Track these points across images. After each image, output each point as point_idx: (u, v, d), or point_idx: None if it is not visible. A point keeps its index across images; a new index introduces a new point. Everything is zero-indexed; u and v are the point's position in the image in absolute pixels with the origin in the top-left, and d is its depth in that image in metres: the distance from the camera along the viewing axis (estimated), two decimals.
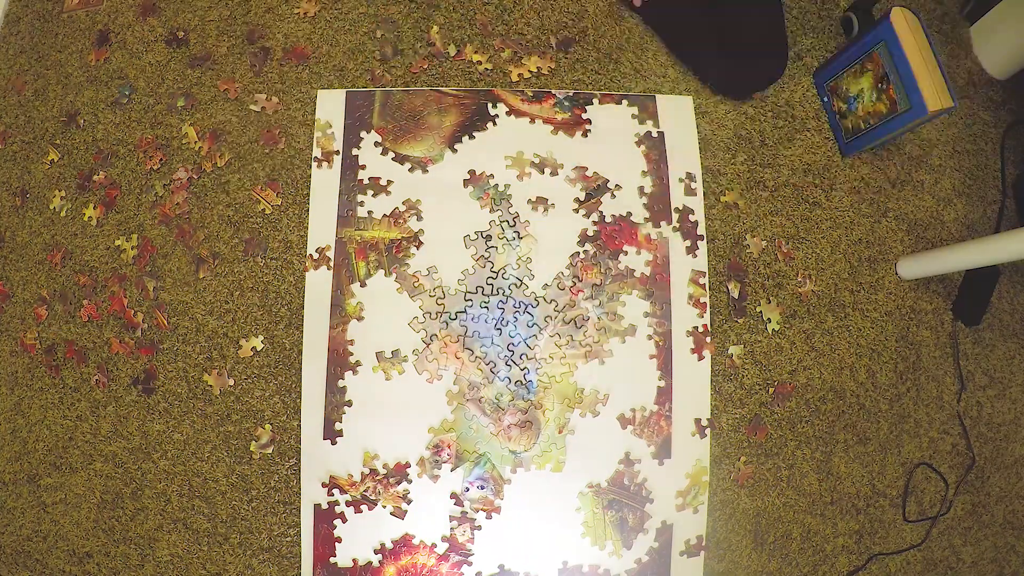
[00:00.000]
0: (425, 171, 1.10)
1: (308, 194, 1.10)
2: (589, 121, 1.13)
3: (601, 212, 1.10)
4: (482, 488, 1.02)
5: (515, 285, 1.07)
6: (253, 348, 1.07)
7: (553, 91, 1.13)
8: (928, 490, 1.12)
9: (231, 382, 1.06)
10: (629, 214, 1.10)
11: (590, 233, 1.09)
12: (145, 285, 1.10)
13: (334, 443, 1.02)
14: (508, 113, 1.12)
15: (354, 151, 1.11)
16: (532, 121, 1.12)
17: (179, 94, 1.16)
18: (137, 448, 1.06)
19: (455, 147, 1.11)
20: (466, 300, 1.06)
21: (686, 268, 1.10)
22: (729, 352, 1.09)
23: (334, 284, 1.06)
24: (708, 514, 1.04)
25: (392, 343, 1.04)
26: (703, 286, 1.09)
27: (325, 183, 1.10)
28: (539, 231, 1.09)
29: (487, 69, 1.16)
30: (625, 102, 1.14)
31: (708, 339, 1.08)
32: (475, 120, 1.13)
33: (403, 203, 1.09)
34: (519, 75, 1.15)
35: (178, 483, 1.05)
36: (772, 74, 1.15)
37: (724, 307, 1.10)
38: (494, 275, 1.07)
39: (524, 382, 1.05)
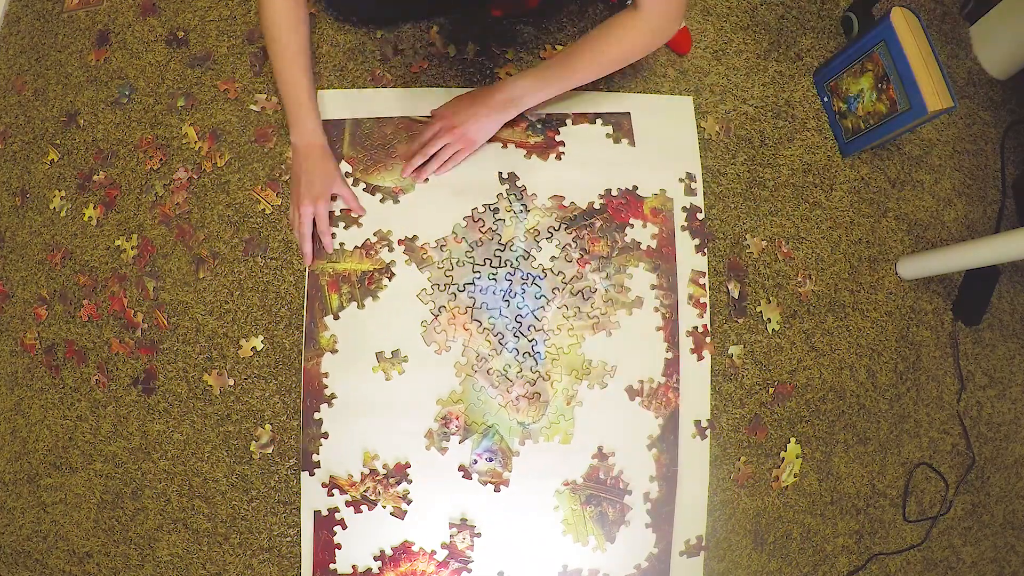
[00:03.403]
0: (396, 201, 1.09)
1: None
2: (563, 143, 1.12)
3: (607, 188, 1.11)
4: (490, 460, 1.02)
5: (523, 257, 1.07)
6: (253, 348, 1.07)
7: (525, 114, 1.10)
8: (928, 490, 1.12)
9: (231, 382, 1.06)
10: (635, 187, 1.11)
11: (596, 206, 1.10)
12: (145, 285, 1.10)
13: (312, 474, 1.01)
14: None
15: None
16: (504, 146, 1.10)
17: (179, 94, 1.17)
18: (137, 448, 1.06)
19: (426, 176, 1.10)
20: (474, 272, 1.07)
21: (691, 246, 1.10)
22: (729, 352, 1.09)
23: (307, 317, 1.05)
24: (708, 514, 1.04)
25: (392, 343, 1.04)
26: (703, 286, 1.09)
27: None
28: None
29: (486, 67, 1.16)
30: (599, 121, 1.13)
31: (708, 339, 1.08)
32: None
33: (374, 234, 1.07)
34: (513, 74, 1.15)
35: (178, 483, 1.05)
36: None
37: (724, 307, 1.10)
38: (502, 247, 1.08)
39: (532, 353, 1.05)
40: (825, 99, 1.19)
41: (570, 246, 1.08)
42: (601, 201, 1.10)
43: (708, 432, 1.06)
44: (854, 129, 1.15)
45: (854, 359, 1.12)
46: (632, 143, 1.13)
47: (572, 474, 1.03)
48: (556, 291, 1.07)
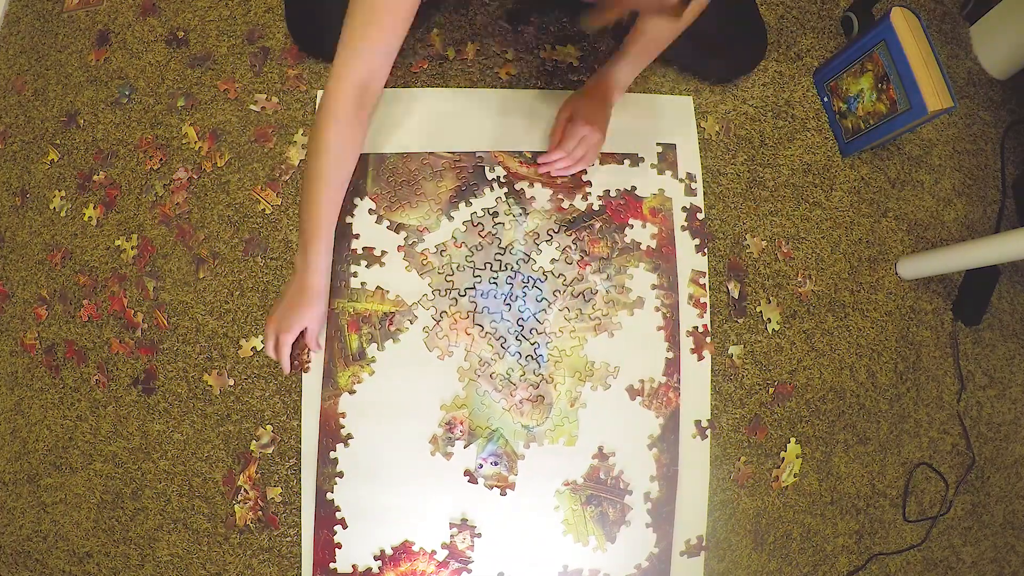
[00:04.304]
0: (421, 240, 1.08)
1: None
2: (589, 183, 1.11)
3: (606, 189, 1.11)
4: (496, 464, 1.02)
5: (523, 260, 1.07)
6: (253, 348, 1.07)
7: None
8: (928, 490, 1.12)
9: (231, 382, 1.06)
10: (634, 188, 1.11)
11: (595, 207, 1.10)
12: (145, 285, 1.10)
13: (322, 515, 1.00)
14: (506, 177, 1.10)
15: (347, 219, 1.08)
16: (531, 184, 1.10)
17: (179, 94, 1.17)
18: (137, 448, 1.06)
19: (451, 214, 1.09)
20: (475, 276, 1.07)
21: (691, 246, 1.10)
22: (729, 352, 1.09)
23: (326, 356, 1.04)
24: (708, 514, 1.04)
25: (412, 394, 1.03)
26: (703, 286, 1.09)
27: None
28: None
29: (485, 67, 1.16)
30: (627, 162, 1.12)
31: (708, 339, 1.08)
32: (472, 185, 1.10)
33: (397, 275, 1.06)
34: (513, 74, 1.16)
35: (178, 483, 1.05)
36: (756, 55, 1.16)
37: (724, 307, 1.10)
38: (502, 251, 1.08)
39: (535, 356, 1.05)
40: (825, 99, 1.19)
41: (570, 248, 1.08)
42: (600, 202, 1.10)
43: (708, 432, 1.06)
44: (854, 129, 1.15)
45: (854, 359, 1.12)
46: (675, 174, 1.13)
47: (573, 474, 1.03)
48: (557, 293, 1.07)
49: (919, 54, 1.02)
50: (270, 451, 1.04)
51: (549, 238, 1.08)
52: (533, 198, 1.10)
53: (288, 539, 1.02)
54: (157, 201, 1.13)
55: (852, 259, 1.15)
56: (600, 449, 1.03)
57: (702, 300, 1.09)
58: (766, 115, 1.18)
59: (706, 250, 1.11)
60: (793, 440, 1.08)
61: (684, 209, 1.11)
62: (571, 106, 1.06)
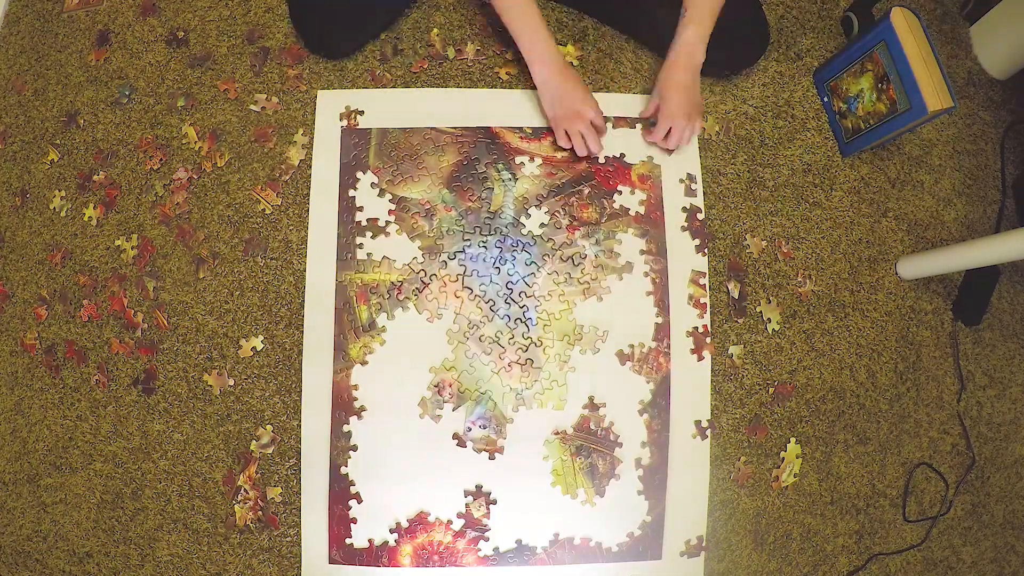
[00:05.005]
0: (423, 215, 1.08)
1: (308, 194, 1.10)
2: (589, 156, 1.11)
3: (595, 157, 1.11)
4: (484, 427, 1.02)
5: (512, 224, 1.08)
6: (253, 348, 1.07)
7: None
8: (928, 490, 1.12)
9: (231, 382, 1.06)
10: (623, 155, 1.11)
11: (584, 173, 1.10)
12: (145, 285, 1.10)
13: (336, 490, 1.01)
14: (507, 152, 1.11)
15: (351, 192, 1.09)
16: (532, 159, 1.11)
17: (179, 94, 1.17)
18: (137, 448, 1.06)
19: (453, 188, 1.10)
20: (464, 240, 1.07)
21: (691, 246, 1.10)
22: (729, 352, 1.09)
23: (336, 329, 1.05)
24: (708, 514, 1.04)
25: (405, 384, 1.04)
26: (703, 286, 1.09)
27: (325, 183, 1.10)
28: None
29: (486, 67, 1.16)
30: (638, 125, 1.12)
31: (708, 339, 1.08)
32: (473, 160, 1.11)
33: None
34: (513, 74, 1.16)
35: (178, 483, 1.05)
36: (759, 47, 1.15)
37: (724, 307, 1.10)
38: (491, 215, 1.08)
39: (524, 319, 1.06)
40: (825, 99, 1.19)
41: (559, 213, 1.09)
42: (589, 169, 1.11)
43: (708, 432, 1.06)
44: (854, 129, 1.15)
45: (854, 359, 1.12)
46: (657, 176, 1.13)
47: (563, 424, 1.03)
48: (546, 257, 1.07)
49: (919, 54, 1.02)
50: (270, 451, 1.04)
51: (538, 203, 1.09)
52: (522, 164, 1.10)
53: (288, 539, 1.02)
54: (157, 201, 1.13)
55: (852, 259, 1.15)
56: (591, 399, 1.04)
57: (702, 300, 1.09)
58: (766, 115, 1.18)
59: (706, 250, 1.11)
60: (793, 440, 1.08)
61: (684, 209, 1.11)
62: (660, 96, 1.07)
